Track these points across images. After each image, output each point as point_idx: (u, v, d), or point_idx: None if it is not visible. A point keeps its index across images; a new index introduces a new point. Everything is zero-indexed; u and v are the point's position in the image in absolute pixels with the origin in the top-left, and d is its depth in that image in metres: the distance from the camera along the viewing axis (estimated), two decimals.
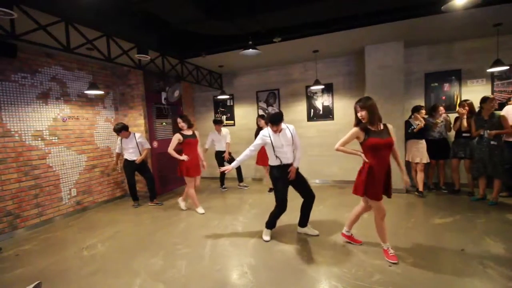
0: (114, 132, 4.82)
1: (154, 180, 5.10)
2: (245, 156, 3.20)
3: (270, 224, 3.30)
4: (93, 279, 2.64)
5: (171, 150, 4.13)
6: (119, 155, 5.05)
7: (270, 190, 5.54)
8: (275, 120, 3.01)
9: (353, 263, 2.65)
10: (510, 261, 2.55)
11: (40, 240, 3.67)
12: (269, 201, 4.84)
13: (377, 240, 2.84)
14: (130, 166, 4.87)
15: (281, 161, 3.12)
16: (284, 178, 3.16)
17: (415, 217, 3.75)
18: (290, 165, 3.16)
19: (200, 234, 3.57)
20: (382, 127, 2.60)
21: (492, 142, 3.92)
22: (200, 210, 4.42)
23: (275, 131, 3.10)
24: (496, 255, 2.65)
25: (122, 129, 4.69)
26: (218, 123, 5.71)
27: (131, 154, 4.82)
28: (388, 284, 2.30)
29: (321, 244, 3.11)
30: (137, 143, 4.85)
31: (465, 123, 4.37)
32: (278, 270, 2.62)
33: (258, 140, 3.16)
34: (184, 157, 4.18)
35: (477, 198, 4.23)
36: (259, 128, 5.36)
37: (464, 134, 4.42)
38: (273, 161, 3.19)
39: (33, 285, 2.24)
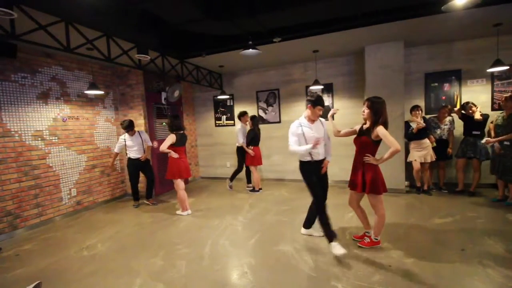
0: (124, 130, 4.73)
1: (154, 181, 5.11)
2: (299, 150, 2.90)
3: (330, 231, 2.85)
4: (93, 279, 2.64)
5: (164, 148, 4.10)
6: (117, 155, 5.02)
7: (253, 189, 5.54)
8: (321, 102, 2.88)
9: (353, 263, 2.65)
10: (510, 261, 2.55)
11: (40, 240, 3.67)
12: (269, 201, 4.85)
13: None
14: (134, 165, 4.85)
15: (312, 157, 2.96)
16: (317, 173, 3.02)
17: (415, 217, 3.74)
18: (322, 161, 3.04)
19: (200, 234, 3.57)
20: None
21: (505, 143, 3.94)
22: (185, 212, 4.38)
23: (312, 120, 2.97)
24: (496, 255, 2.65)
25: (131, 125, 4.68)
26: (245, 115, 5.48)
27: (136, 152, 4.80)
28: (388, 284, 2.30)
29: (321, 244, 3.10)
30: (142, 140, 4.85)
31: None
32: (278, 270, 2.62)
33: (296, 131, 2.92)
34: (175, 155, 4.17)
35: (498, 199, 4.17)
36: (251, 130, 5.35)
37: (474, 132, 4.40)
38: (303, 156, 2.99)
39: (33, 285, 2.24)
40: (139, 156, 4.83)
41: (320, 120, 3.07)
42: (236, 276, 2.56)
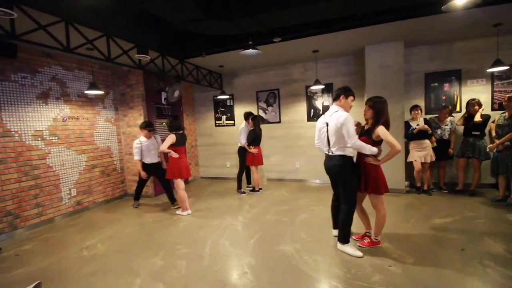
0: (144, 129, 4.56)
1: (169, 181, 4.73)
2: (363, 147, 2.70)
3: (347, 235, 2.86)
4: (93, 279, 2.64)
5: (164, 148, 4.10)
6: (141, 161, 4.69)
7: (253, 189, 5.53)
8: (353, 92, 2.79)
9: (353, 263, 2.65)
10: (510, 261, 2.55)
11: (40, 240, 3.67)
12: (269, 201, 4.85)
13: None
14: (148, 170, 4.71)
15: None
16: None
17: (415, 217, 3.74)
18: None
19: (200, 234, 3.57)
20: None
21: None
22: (185, 212, 4.36)
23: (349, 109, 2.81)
24: (496, 255, 2.65)
25: (151, 125, 4.53)
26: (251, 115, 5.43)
27: (152, 157, 4.70)
28: (388, 284, 2.30)
29: (321, 244, 3.11)
30: (158, 144, 4.75)
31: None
32: (278, 270, 2.62)
33: (353, 123, 2.67)
34: (175, 154, 4.17)
35: (498, 199, 4.17)
36: (252, 130, 5.33)
37: (474, 133, 4.39)
38: (351, 151, 2.76)
39: (33, 285, 2.24)
40: (155, 161, 4.73)
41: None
42: (236, 276, 2.56)
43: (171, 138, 4.14)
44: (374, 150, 2.67)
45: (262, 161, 5.47)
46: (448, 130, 4.70)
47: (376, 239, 2.93)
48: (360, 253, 2.76)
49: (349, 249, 2.82)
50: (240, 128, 5.47)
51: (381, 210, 2.80)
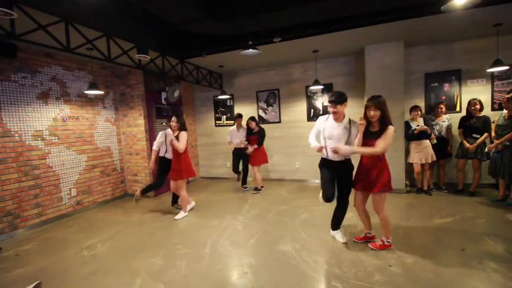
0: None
1: None
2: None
3: (339, 224, 3.21)
4: (93, 279, 2.64)
5: (183, 148, 4.04)
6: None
7: (256, 189, 5.56)
8: (330, 98, 2.88)
9: (353, 263, 2.65)
10: (510, 261, 2.55)
11: (40, 240, 3.67)
12: (269, 201, 4.85)
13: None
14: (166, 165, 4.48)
15: (327, 155, 2.94)
16: (328, 171, 2.96)
17: (415, 217, 3.74)
18: (339, 163, 2.91)
19: (200, 234, 3.57)
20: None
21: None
22: (185, 213, 4.34)
23: (335, 115, 2.88)
24: (496, 255, 2.65)
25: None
26: (239, 118, 5.67)
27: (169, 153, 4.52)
28: (388, 284, 2.30)
29: (321, 244, 3.11)
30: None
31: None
32: (278, 270, 2.62)
33: (316, 126, 3.07)
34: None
35: (498, 199, 4.17)
36: (249, 129, 5.42)
37: (474, 135, 4.40)
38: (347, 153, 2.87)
39: (33, 285, 2.25)
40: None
41: (351, 123, 2.91)
42: (236, 276, 2.56)
43: (186, 136, 4.08)
44: (314, 145, 2.98)
45: (267, 159, 5.59)
46: (445, 126, 4.70)
47: (388, 242, 2.87)
48: (344, 239, 3.07)
49: (338, 234, 3.16)
50: (229, 129, 5.70)
51: (383, 210, 2.78)
